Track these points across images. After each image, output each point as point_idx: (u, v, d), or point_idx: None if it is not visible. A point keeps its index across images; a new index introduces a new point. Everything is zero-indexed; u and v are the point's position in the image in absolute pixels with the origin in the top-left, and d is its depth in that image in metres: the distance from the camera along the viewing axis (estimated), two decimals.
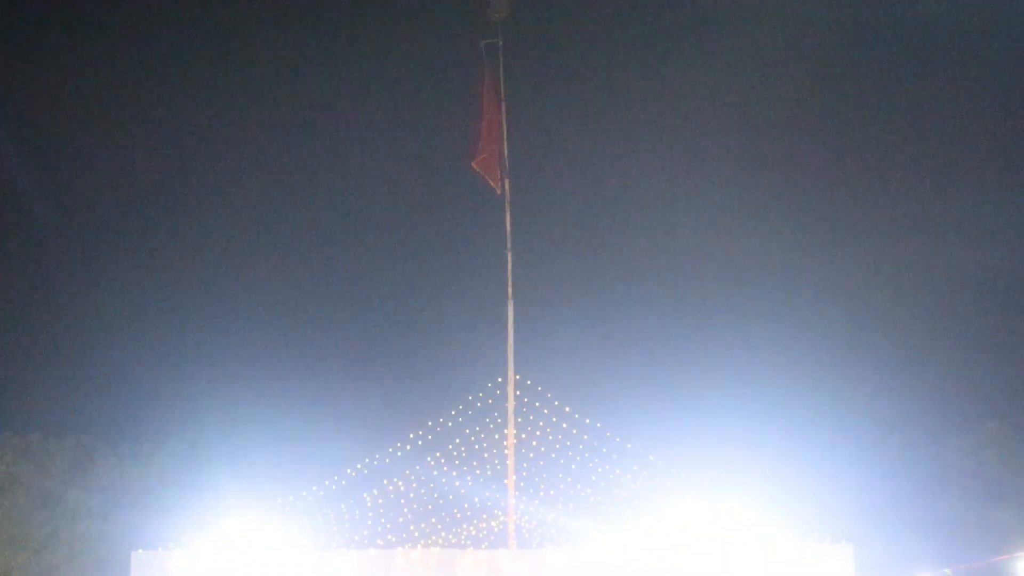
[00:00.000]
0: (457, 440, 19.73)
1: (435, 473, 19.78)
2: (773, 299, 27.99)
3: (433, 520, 20.11)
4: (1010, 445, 24.28)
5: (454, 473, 19.77)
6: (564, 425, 19.44)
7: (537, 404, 19.50)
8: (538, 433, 19.50)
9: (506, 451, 19.16)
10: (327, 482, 19.17)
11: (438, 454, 19.70)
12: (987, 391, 25.97)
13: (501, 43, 20.09)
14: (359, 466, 19.39)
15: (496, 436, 19.47)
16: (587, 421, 19.47)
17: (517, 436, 19.30)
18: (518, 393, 19.39)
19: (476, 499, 20.04)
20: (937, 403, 25.72)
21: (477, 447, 19.70)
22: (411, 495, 19.75)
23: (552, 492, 19.80)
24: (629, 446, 19.26)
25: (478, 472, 19.77)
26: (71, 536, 23.22)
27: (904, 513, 23.32)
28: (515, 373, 19.39)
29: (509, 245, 19.99)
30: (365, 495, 19.45)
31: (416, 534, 19.66)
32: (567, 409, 19.53)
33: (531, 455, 19.56)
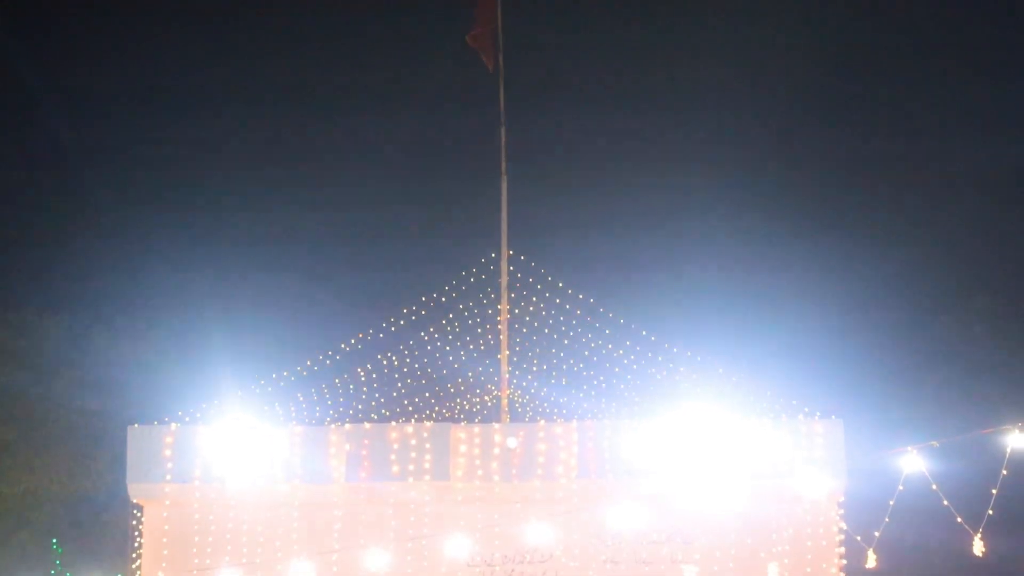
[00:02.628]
0: (451, 315, 19.80)
1: (429, 348, 19.88)
2: (766, 175, 27.89)
3: (427, 394, 20.27)
4: (999, 321, 24.41)
5: (447, 348, 19.88)
6: (557, 300, 19.50)
7: (531, 280, 19.54)
8: (531, 308, 19.57)
9: (499, 326, 19.25)
10: (321, 357, 19.26)
11: (432, 329, 19.78)
12: (977, 267, 26.05)
13: None
14: (353, 341, 19.47)
15: (489, 311, 19.53)
16: (580, 296, 19.53)
17: (510, 311, 19.37)
18: (511, 268, 19.42)
19: (469, 374, 20.17)
20: (927, 279, 25.80)
21: (471, 322, 19.79)
22: (404, 370, 19.87)
23: (545, 367, 19.93)
24: (622, 321, 19.36)
25: (471, 347, 19.89)
26: (68, 411, 23.38)
27: (893, 388, 23.53)
28: (508, 249, 19.39)
29: (503, 121, 19.90)
30: (359, 370, 19.57)
31: (410, 408, 19.83)
32: (560, 284, 19.58)
33: (524, 330, 19.65)
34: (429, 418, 18.80)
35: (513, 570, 17.08)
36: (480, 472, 16.95)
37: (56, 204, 27.73)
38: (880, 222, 27.54)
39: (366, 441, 17.09)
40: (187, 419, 17.85)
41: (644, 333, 19.25)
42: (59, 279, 25.96)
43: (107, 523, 22.67)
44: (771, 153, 28.58)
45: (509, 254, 19.40)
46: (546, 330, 19.62)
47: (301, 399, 18.95)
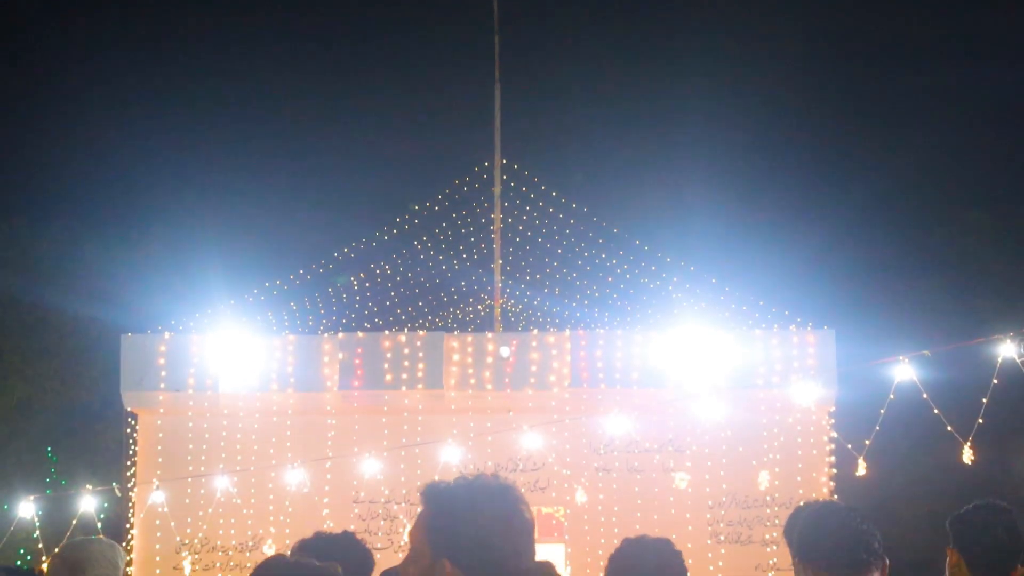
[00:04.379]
0: (444, 224, 19.77)
1: (422, 257, 19.87)
2: (761, 87, 27.69)
3: (420, 303, 20.29)
4: (992, 234, 24.44)
5: (441, 257, 19.86)
6: (551, 209, 19.46)
7: (524, 188, 19.49)
8: (524, 218, 19.53)
9: (492, 235, 19.21)
10: (314, 266, 19.25)
11: (425, 238, 19.76)
12: (972, 180, 26.01)
13: None
14: (345, 250, 19.45)
15: (483, 220, 19.49)
16: (574, 205, 19.49)
17: (503, 220, 19.32)
18: (504, 177, 19.35)
19: (463, 283, 20.19)
20: (921, 192, 25.77)
21: (464, 231, 19.75)
22: (398, 279, 19.88)
23: (538, 276, 19.94)
24: (616, 230, 19.34)
25: (465, 256, 19.87)
26: (61, 320, 23.38)
27: (886, 299, 23.60)
28: (502, 157, 19.30)
29: (496, 27, 19.71)
30: (352, 279, 19.57)
31: (403, 317, 19.85)
32: (554, 193, 19.53)
33: (517, 239, 19.63)
34: (422, 327, 18.82)
35: (506, 478, 17.16)
36: (473, 381, 17.01)
37: (46, 111, 27.51)
38: (875, 134, 27.43)
39: (359, 350, 17.13)
40: (181, 328, 17.86)
41: (638, 243, 19.26)
42: (50, 188, 25.82)
43: (101, 432, 22.78)
44: (765, 64, 28.36)
45: (502, 162, 19.32)
46: (539, 239, 19.60)
47: (294, 308, 18.97)
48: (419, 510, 3.31)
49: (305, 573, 3.94)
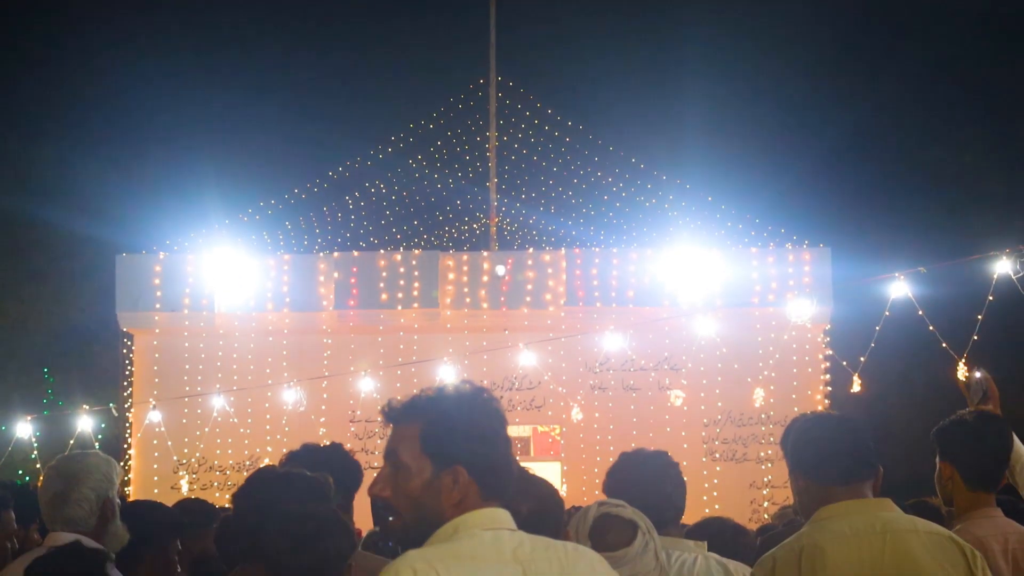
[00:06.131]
0: (439, 142, 19.66)
1: (417, 176, 19.79)
2: (757, 4, 27.39)
3: (415, 222, 20.24)
4: (988, 151, 24.37)
5: (436, 176, 19.78)
6: (546, 127, 19.36)
7: (519, 106, 19.36)
8: (520, 136, 19.43)
9: (488, 153, 19.11)
10: (308, 184, 19.17)
11: (419, 156, 19.66)
12: (967, 97, 25.85)
13: None
14: (340, 168, 19.36)
15: (478, 138, 19.39)
16: (569, 123, 19.37)
17: (499, 138, 19.21)
18: (500, 95, 19.20)
19: (458, 202, 20.12)
20: (917, 109, 25.61)
21: (459, 149, 19.66)
22: (392, 198, 19.81)
23: (534, 194, 19.87)
24: (611, 148, 19.24)
25: (460, 175, 19.79)
26: (55, 241, 23.33)
27: (882, 217, 23.56)
28: (497, 75, 19.15)
29: None
30: (347, 198, 19.49)
31: (399, 236, 19.80)
32: (550, 111, 19.40)
33: (513, 158, 19.54)
34: (417, 246, 18.78)
35: (501, 397, 17.24)
36: (468, 300, 17.02)
37: (39, 29, 27.20)
38: (871, 51, 27.19)
39: (355, 269, 17.12)
40: (176, 248, 17.83)
41: (633, 160, 19.16)
42: (43, 107, 25.58)
43: (98, 353, 22.80)
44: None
45: (498, 80, 19.17)
46: (535, 157, 19.52)
47: (289, 227, 18.91)
48: (395, 428, 3.23)
49: (296, 483, 3.94)
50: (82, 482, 4.94)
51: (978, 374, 6.14)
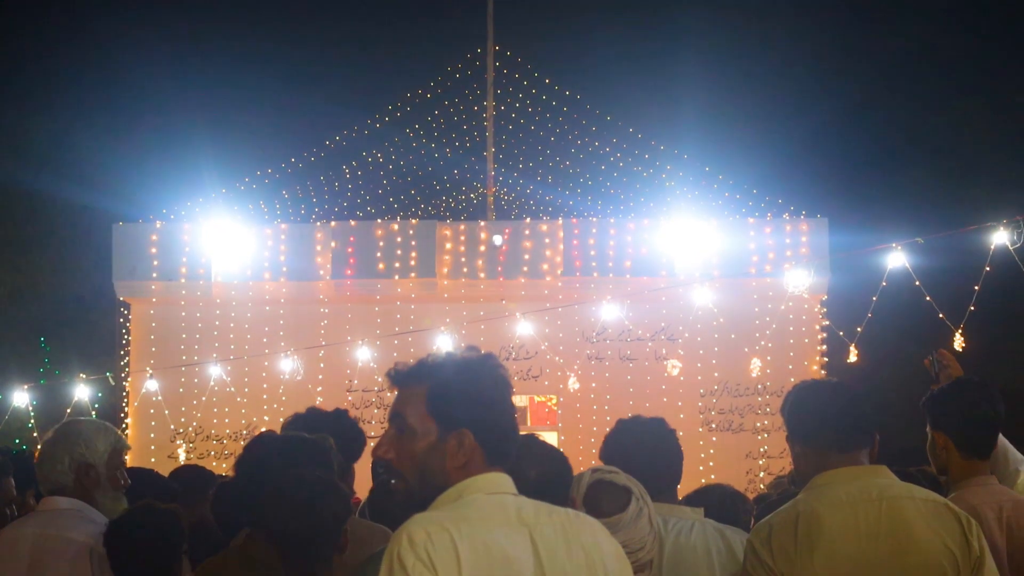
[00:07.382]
0: (436, 112, 19.62)
1: (414, 145, 19.75)
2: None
3: (412, 192, 20.21)
4: (986, 122, 24.32)
5: (433, 145, 19.74)
6: (544, 97, 19.31)
7: (517, 75, 19.30)
8: (517, 105, 19.38)
9: (485, 123, 19.07)
10: (305, 154, 19.13)
11: (417, 126, 19.62)
12: (965, 68, 25.78)
13: None
14: (337, 137, 19.31)
15: (475, 108, 19.34)
16: (567, 93, 19.32)
17: (496, 108, 19.16)
18: (497, 64, 19.14)
19: (455, 171, 20.09)
20: (915, 79, 25.56)
21: (456, 119, 19.61)
22: (390, 167, 19.77)
23: (531, 164, 19.84)
24: (609, 118, 19.20)
25: (457, 144, 19.75)
26: (52, 210, 23.28)
27: (879, 188, 23.55)
28: (494, 44, 19.08)
29: None
30: (344, 167, 19.46)
31: (396, 206, 19.77)
32: (547, 81, 19.35)
33: (510, 127, 19.49)
34: (415, 215, 18.75)
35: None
36: (465, 269, 17.02)
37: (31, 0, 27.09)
38: (869, 21, 27.13)
39: (352, 238, 17.12)
40: (173, 217, 17.81)
41: (631, 130, 19.12)
42: (40, 75, 25.50)
43: (94, 322, 22.78)
44: None
45: (495, 49, 19.10)
46: (532, 127, 19.48)
47: (286, 196, 18.89)
48: (401, 391, 3.25)
49: (294, 445, 3.95)
50: (58, 444, 4.99)
51: (935, 355, 6.16)
